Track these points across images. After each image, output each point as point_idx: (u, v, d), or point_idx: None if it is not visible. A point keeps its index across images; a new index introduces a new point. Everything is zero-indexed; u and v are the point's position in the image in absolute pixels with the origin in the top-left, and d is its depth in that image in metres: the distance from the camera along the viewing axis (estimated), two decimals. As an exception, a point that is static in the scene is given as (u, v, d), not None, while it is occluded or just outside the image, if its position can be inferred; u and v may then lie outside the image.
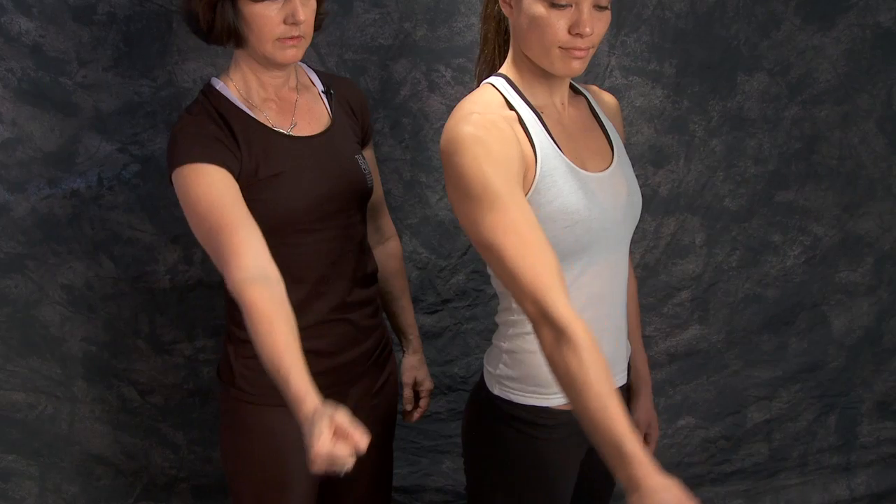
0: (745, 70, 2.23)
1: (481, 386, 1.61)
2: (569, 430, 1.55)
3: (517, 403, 1.53)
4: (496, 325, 1.59)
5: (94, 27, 1.98)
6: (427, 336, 2.27)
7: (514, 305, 1.49)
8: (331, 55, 2.08)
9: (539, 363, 1.49)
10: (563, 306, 1.26)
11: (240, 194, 1.54)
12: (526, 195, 1.39)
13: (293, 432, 1.69)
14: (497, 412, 1.54)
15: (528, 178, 1.40)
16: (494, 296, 1.57)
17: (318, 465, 1.28)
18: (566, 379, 1.25)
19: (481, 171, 1.32)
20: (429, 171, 2.19)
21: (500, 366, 1.54)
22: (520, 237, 1.30)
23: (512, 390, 1.53)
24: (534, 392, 1.52)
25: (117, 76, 2.01)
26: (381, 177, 2.16)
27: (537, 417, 1.53)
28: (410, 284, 2.23)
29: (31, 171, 2.04)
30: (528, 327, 1.48)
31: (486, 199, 1.31)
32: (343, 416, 1.28)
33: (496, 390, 1.55)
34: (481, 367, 1.64)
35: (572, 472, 1.61)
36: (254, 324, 1.40)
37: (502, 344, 1.54)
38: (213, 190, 1.51)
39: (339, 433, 1.26)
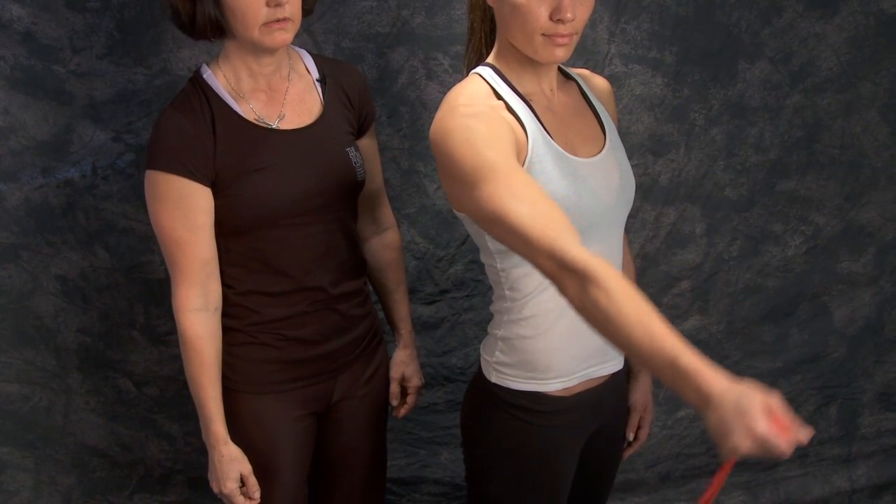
0: (746, 58, 2.21)
1: (479, 375, 1.61)
2: (567, 416, 1.55)
3: (514, 390, 1.53)
4: (491, 314, 1.58)
5: (88, 14, 1.96)
6: (425, 327, 2.26)
7: (507, 293, 1.50)
8: (327, 43, 2.06)
9: (534, 348, 1.50)
10: (576, 250, 1.21)
11: (206, 212, 1.59)
12: None
13: (282, 420, 1.70)
14: (494, 400, 1.55)
15: (519, 161, 1.39)
16: (489, 289, 1.57)
17: (223, 497, 1.71)
18: (602, 319, 1.19)
19: (472, 149, 1.31)
20: (427, 161, 2.17)
21: (496, 353, 1.54)
22: (520, 199, 1.26)
23: (508, 377, 1.53)
24: (530, 378, 1.52)
25: (111, 64, 2.00)
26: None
27: (534, 403, 1.53)
28: (408, 274, 2.22)
29: (24, 160, 2.02)
30: (522, 313, 1.49)
31: (480, 172, 1.29)
32: (249, 470, 1.68)
33: (493, 378, 1.55)
34: (479, 357, 1.63)
35: (572, 458, 1.61)
36: (186, 349, 1.63)
37: (497, 331, 1.54)
38: (180, 206, 1.57)
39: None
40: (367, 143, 1.81)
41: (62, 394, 2.21)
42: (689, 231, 2.32)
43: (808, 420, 2.49)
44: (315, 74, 1.72)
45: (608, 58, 2.17)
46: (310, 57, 1.75)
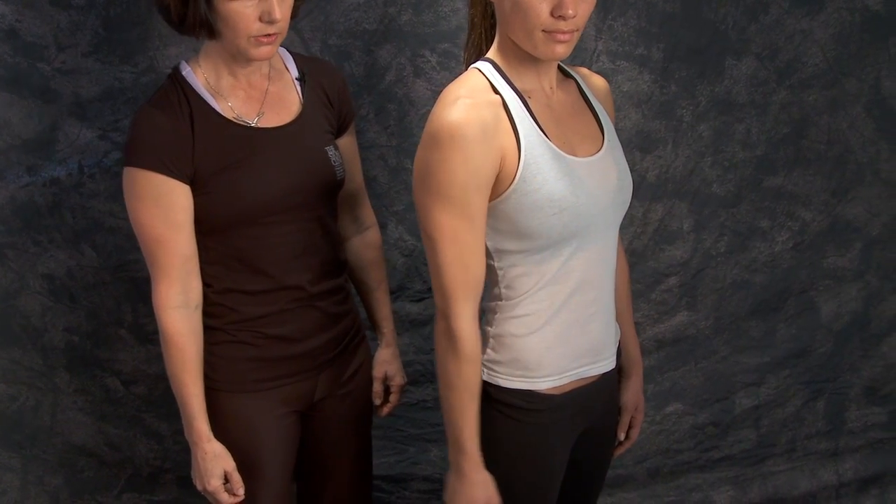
0: (733, 54, 2.21)
1: None
2: (557, 414, 1.55)
3: (504, 388, 1.53)
4: (482, 311, 1.58)
5: (73, 11, 1.95)
6: (413, 324, 2.26)
7: (503, 291, 1.49)
8: (314, 40, 2.06)
9: (525, 347, 1.50)
10: (465, 320, 1.43)
11: (186, 209, 1.58)
12: (510, 185, 1.40)
13: (264, 418, 1.70)
14: (485, 397, 1.54)
15: (510, 168, 1.40)
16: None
17: (207, 495, 1.69)
18: (443, 373, 1.46)
19: (447, 173, 1.36)
20: (414, 158, 2.16)
21: (487, 350, 1.54)
22: (458, 246, 1.40)
23: (499, 374, 1.53)
24: (521, 376, 1.52)
25: (97, 62, 1.99)
26: (366, 163, 2.14)
27: (524, 401, 1.52)
28: (397, 272, 2.22)
29: (9, 158, 2.01)
30: (515, 311, 1.49)
31: (442, 198, 1.37)
32: (232, 467, 1.66)
33: (484, 375, 1.54)
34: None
35: (562, 456, 1.61)
36: (167, 347, 1.62)
37: (488, 328, 1.54)
38: (159, 203, 1.56)
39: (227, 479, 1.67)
40: (347, 142, 1.80)
41: (49, 393, 2.20)
42: (677, 227, 2.33)
43: (796, 415, 2.50)
44: (294, 73, 1.71)
45: (595, 54, 2.17)
46: (289, 55, 1.74)
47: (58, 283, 2.12)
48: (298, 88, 1.71)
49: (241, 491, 1.68)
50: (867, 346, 2.49)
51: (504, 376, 1.53)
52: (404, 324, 2.27)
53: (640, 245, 2.31)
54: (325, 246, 1.73)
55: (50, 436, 2.23)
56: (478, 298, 1.45)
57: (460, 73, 1.48)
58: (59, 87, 1.98)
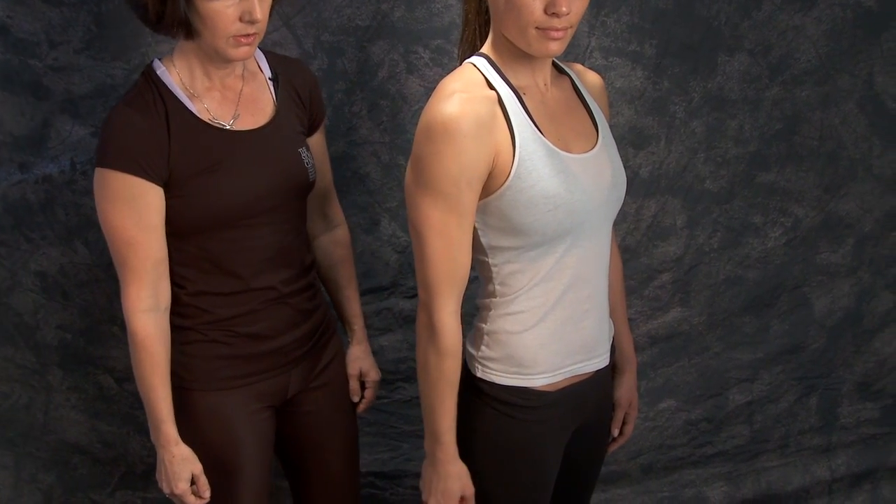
0: (725, 50, 2.22)
1: (463, 369, 1.60)
2: (551, 411, 1.55)
3: (499, 385, 1.53)
4: (477, 308, 1.58)
5: (64, 8, 1.94)
6: (407, 321, 2.26)
7: (498, 288, 1.49)
8: (307, 36, 2.06)
9: (519, 343, 1.50)
10: (447, 314, 1.44)
11: (159, 211, 1.56)
12: (505, 181, 1.40)
13: (238, 414, 1.70)
14: (479, 394, 1.55)
15: (505, 165, 1.40)
16: (475, 279, 1.56)
17: (174, 498, 1.67)
18: (422, 364, 1.47)
19: (439, 166, 1.36)
20: (407, 154, 2.14)
21: (482, 347, 1.54)
22: (445, 240, 1.40)
23: (494, 371, 1.53)
24: (516, 373, 1.52)
25: (89, 59, 1.98)
26: (359, 160, 2.14)
27: (519, 398, 1.53)
28: (390, 268, 2.22)
29: (1, 155, 2.01)
30: (510, 308, 1.49)
31: (433, 191, 1.37)
32: (200, 470, 1.66)
33: (478, 372, 1.55)
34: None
35: (556, 453, 1.61)
36: (136, 350, 1.60)
37: (483, 325, 1.54)
38: (133, 206, 1.54)
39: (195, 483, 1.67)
40: (317, 141, 1.80)
41: (42, 391, 2.20)
42: (670, 223, 2.33)
43: (789, 410, 2.51)
44: (268, 73, 1.70)
45: (588, 51, 2.17)
46: (262, 55, 1.73)
47: (50, 281, 2.12)
48: (272, 89, 1.70)
49: (207, 494, 1.68)
50: (860, 341, 2.50)
51: (498, 373, 1.53)
52: (397, 320, 2.27)
53: (633, 241, 2.32)
54: (297, 246, 1.73)
55: (43, 433, 2.23)
56: (461, 293, 1.45)
57: (453, 70, 1.48)
58: (50, 83, 1.98)
